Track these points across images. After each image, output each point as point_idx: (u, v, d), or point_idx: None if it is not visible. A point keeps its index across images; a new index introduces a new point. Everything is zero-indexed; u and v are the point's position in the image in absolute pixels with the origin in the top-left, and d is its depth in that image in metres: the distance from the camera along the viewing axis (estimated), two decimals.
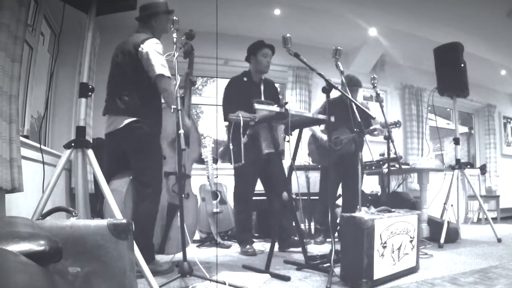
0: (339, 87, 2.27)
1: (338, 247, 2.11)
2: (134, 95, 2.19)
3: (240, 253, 3.01)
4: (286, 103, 2.24)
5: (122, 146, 2.25)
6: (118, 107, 2.20)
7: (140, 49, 2.17)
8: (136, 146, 2.22)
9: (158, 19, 2.33)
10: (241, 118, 2.46)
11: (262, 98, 3.03)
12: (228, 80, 3.23)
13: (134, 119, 2.17)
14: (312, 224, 3.87)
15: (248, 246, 2.99)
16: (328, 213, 2.80)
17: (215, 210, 3.57)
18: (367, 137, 2.68)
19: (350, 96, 2.41)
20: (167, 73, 2.17)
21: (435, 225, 3.48)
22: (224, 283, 1.88)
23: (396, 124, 3.31)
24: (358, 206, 2.43)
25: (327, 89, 2.68)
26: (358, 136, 2.58)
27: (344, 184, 3.55)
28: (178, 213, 2.39)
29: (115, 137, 2.22)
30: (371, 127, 3.35)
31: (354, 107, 2.45)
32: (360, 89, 3.63)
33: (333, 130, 3.00)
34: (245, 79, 3.12)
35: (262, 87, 3.14)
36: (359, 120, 2.44)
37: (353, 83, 3.44)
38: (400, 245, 2.10)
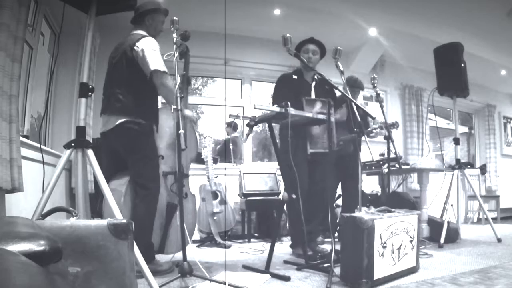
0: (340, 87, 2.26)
1: (338, 247, 2.11)
2: (128, 95, 2.19)
3: None
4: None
5: (116, 146, 2.25)
6: (113, 106, 2.20)
7: (135, 47, 2.17)
8: (129, 146, 2.22)
9: (152, 18, 2.33)
10: (241, 117, 2.45)
11: (313, 96, 2.89)
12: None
13: (127, 119, 2.17)
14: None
15: None
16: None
17: (215, 210, 3.57)
18: (367, 137, 2.67)
19: (350, 96, 2.40)
20: (162, 68, 2.15)
21: (435, 225, 3.48)
22: (224, 283, 1.88)
23: (394, 125, 3.31)
24: (358, 206, 2.42)
25: (327, 89, 2.66)
26: (358, 136, 2.56)
27: (343, 184, 3.54)
28: (178, 213, 2.40)
29: (109, 137, 2.23)
30: (369, 128, 3.35)
31: (354, 107, 2.44)
32: (361, 91, 3.63)
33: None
34: (295, 77, 3.00)
35: (313, 85, 3.01)
36: (359, 120, 2.43)
37: (356, 85, 3.44)
38: (400, 245, 2.10)
